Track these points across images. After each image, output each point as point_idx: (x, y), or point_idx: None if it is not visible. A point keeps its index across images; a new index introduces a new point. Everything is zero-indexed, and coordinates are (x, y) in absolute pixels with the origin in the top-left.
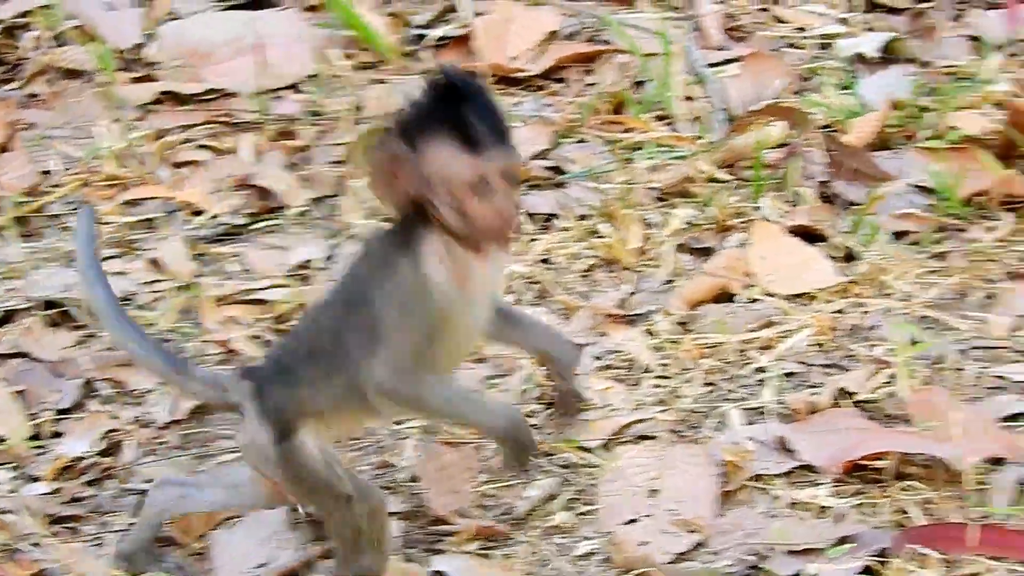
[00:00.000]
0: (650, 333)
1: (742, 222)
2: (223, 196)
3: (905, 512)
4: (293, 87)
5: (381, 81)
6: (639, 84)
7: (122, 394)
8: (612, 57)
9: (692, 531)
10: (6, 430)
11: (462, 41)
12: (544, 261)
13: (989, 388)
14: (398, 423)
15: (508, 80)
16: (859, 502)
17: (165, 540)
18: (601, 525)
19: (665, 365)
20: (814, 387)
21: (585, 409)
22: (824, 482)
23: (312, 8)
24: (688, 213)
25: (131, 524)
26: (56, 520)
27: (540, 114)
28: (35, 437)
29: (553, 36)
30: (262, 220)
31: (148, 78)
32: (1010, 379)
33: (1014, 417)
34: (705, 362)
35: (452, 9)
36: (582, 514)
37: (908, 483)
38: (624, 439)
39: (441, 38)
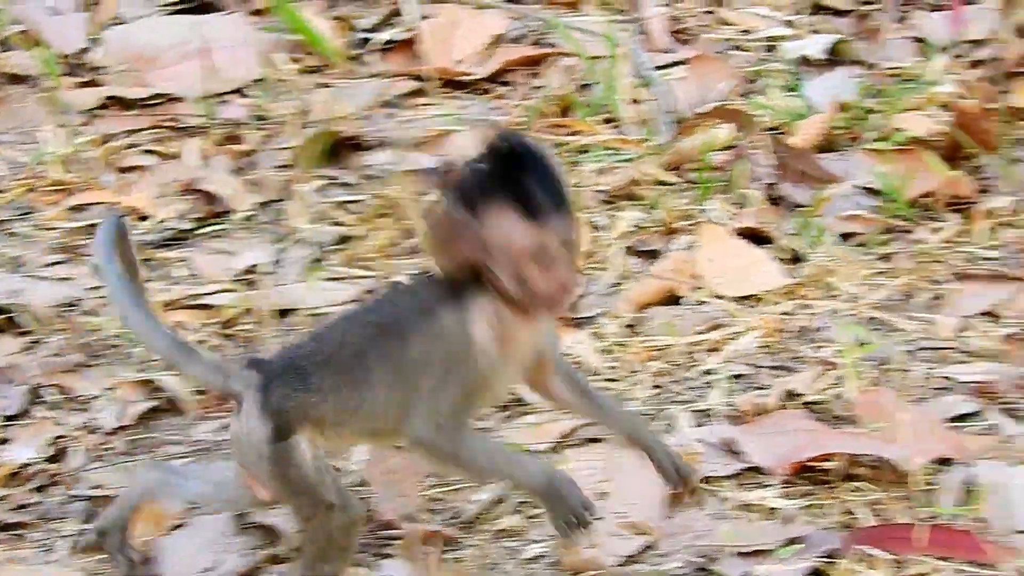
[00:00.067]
0: (598, 336)
1: (689, 224)
2: (169, 201)
3: (853, 513)
4: (239, 91)
5: (327, 85)
6: (585, 87)
7: (68, 400)
8: (558, 60)
9: (641, 534)
10: None
11: (408, 45)
12: None
13: (936, 389)
14: None
15: (454, 84)
16: (807, 503)
17: None
18: (550, 528)
19: (613, 368)
20: (762, 389)
21: (699, 483)
22: (772, 484)
23: (258, 12)
24: (635, 216)
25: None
26: (2, 527)
27: (487, 117)
28: None
29: (499, 39)
30: (208, 225)
31: (93, 83)
32: (956, 380)
33: (961, 418)
34: (653, 364)
35: (397, 13)
36: (531, 517)
37: (856, 484)
38: (572, 442)
39: (387, 42)
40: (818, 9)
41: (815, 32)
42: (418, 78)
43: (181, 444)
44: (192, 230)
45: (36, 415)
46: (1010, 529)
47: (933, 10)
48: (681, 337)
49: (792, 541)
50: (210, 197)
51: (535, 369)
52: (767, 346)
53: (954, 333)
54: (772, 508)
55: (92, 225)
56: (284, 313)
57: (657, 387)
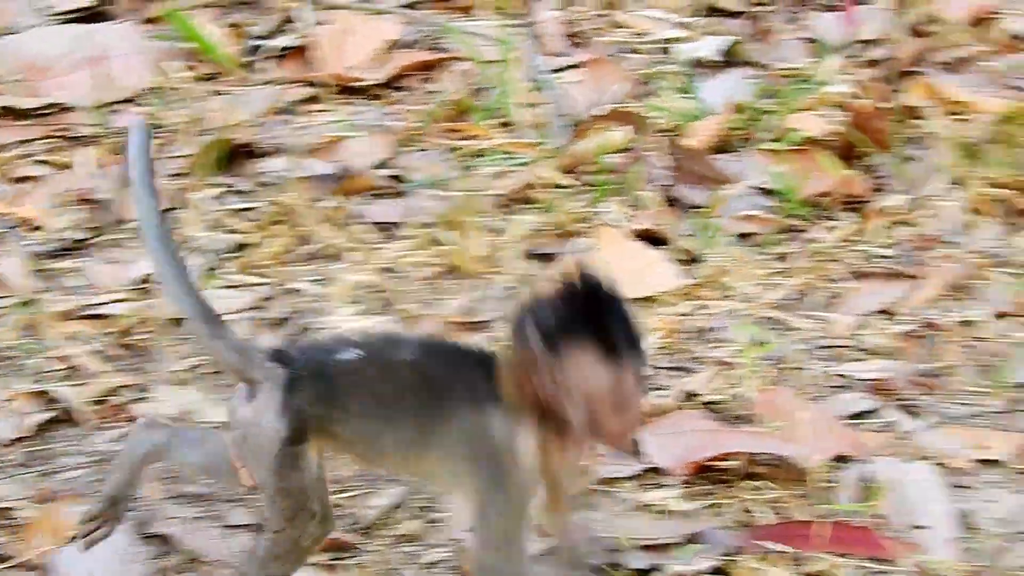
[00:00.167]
0: (496, 340)
1: (585, 227)
2: (63, 211)
3: (753, 511)
4: (132, 100)
5: (221, 93)
6: (481, 91)
7: None
8: (453, 65)
9: (541, 535)
10: None
11: (302, 52)
12: (388, 270)
13: (833, 387)
14: None
15: (349, 90)
16: (708, 503)
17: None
18: (449, 533)
19: None
20: (660, 389)
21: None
22: (672, 484)
23: (150, 21)
24: (531, 219)
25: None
26: None
27: (382, 123)
28: None
29: (394, 45)
30: (102, 234)
31: None
32: (853, 377)
33: (858, 415)
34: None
35: (291, 20)
36: (430, 522)
37: (755, 483)
38: None
39: (282, 49)
40: (711, 11)
41: (709, 34)
42: (312, 84)
43: (79, 455)
44: (86, 240)
45: None
46: (908, 524)
47: (826, 10)
48: None
49: (693, 539)
50: (104, 206)
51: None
52: (665, 347)
53: (850, 331)
54: (672, 508)
55: None
56: (180, 321)
57: None
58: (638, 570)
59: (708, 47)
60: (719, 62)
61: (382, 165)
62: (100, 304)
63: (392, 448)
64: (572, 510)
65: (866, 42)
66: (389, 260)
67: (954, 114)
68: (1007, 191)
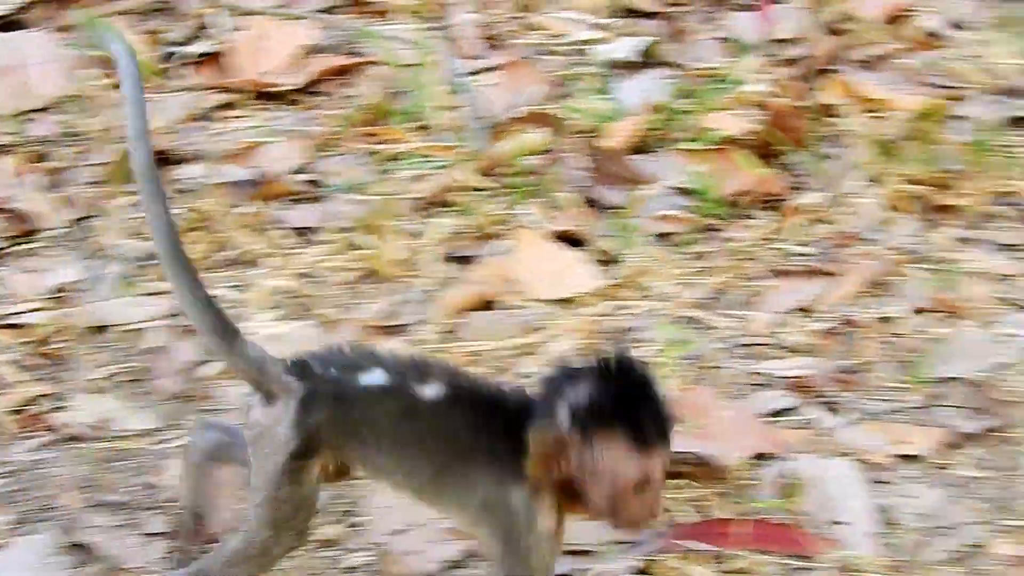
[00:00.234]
0: (415, 343)
1: (504, 229)
2: None
3: (674, 511)
4: (49, 108)
5: None
6: (398, 95)
7: None
8: (371, 69)
9: (462, 538)
10: None
11: (218, 58)
12: (306, 275)
13: (753, 385)
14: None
15: (266, 95)
16: None
17: None
18: (371, 537)
19: None
20: None
21: None
22: None
23: (66, 28)
24: (450, 222)
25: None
26: None
27: (299, 128)
28: None
29: (311, 50)
30: (20, 243)
31: None
32: (772, 375)
33: (778, 413)
34: (472, 370)
35: (207, 26)
36: (351, 526)
37: (677, 481)
38: None
39: (199, 55)
40: (627, 13)
41: (625, 35)
42: (229, 91)
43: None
44: (3, 249)
45: None
46: (828, 520)
47: (741, 10)
48: (499, 341)
49: (615, 539)
50: (22, 215)
51: None
52: (585, 348)
53: (769, 329)
54: None
55: None
56: (98, 330)
57: None
58: (561, 575)
59: (625, 48)
60: (636, 63)
61: (300, 170)
62: (17, 313)
63: (405, 485)
64: None
65: (782, 41)
66: (307, 265)
67: (871, 112)
68: (924, 187)
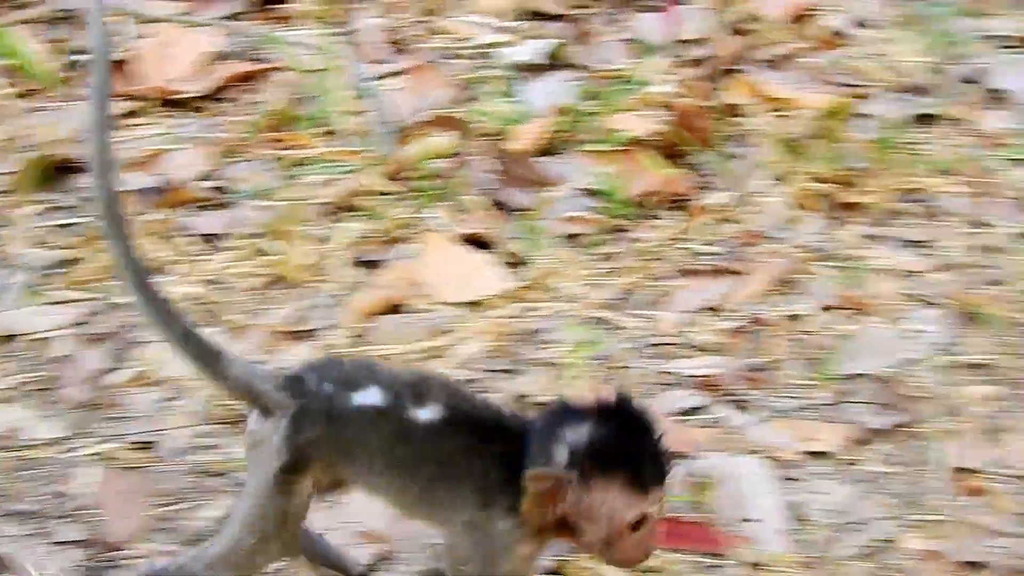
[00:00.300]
0: (324, 348)
1: (412, 233)
2: None
3: None
4: None
5: (43, 109)
6: (304, 101)
7: None
8: (276, 75)
9: (376, 542)
10: None
11: (123, 65)
12: (213, 282)
13: (662, 384)
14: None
15: (171, 102)
16: None
17: None
18: None
19: None
20: (490, 393)
21: None
22: None
23: None
24: (357, 227)
25: None
26: None
27: (205, 135)
28: None
29: (216, 57)
30: None
31: None
32: (681, 374)
33: (687, 412)
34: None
35: (112, 34)
36: None
37: None
38: None
39: None
40: (532, 15)
41: (530, 38)
42: (134, 98)
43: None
44: None
45: None
46: (739, 518)
47: (646, 11)
48: (407, 345)
49: None
50: None
51: None
52: (494, 350)
53: (678, 329)
54: None
55: None
56: (4, 339)
57: None
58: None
59: (530, 51)
60: (542, 65)
61: (206, 177)
62: None
63: (396, 503)
64: None
65: (687, 42)
66: (214, 271)
67: (776, 111)
68: (829, 185)
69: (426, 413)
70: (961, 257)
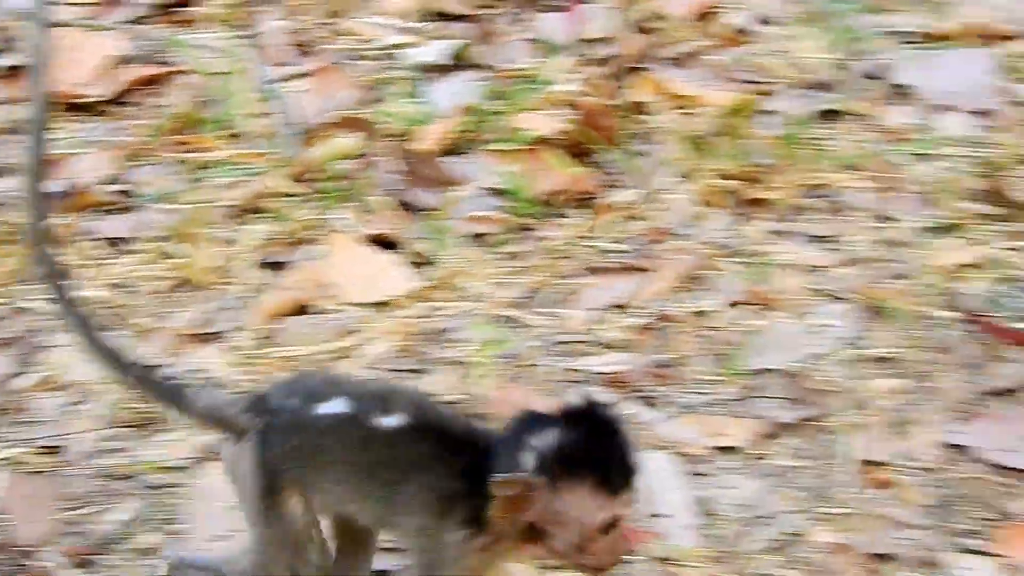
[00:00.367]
0: (231, 350)
1: (318, 234)
2: None
3: None
4: None
5: None
6: (209, 104)
7: None
8: (181, 78)
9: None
10: None
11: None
12: (119, 285)
13: (569, 382)
14: None
15: (76, 106)
16: None
17: None
18: (189, 544)
19: (248, 381)
20: None
21: None
22: None
23: None
24: (264, 229)
25: None
26: None
27: (110, 138)
28: None
29: (120, 60)
30: None
31: None
32: (589, 371)
33: None
34: (288, 375)
35: (15, 38)
36: (169, 535)
37: None
38: (208, 456)
39: (8, 68)
40: (437, 16)
41: (435, 38)
42: None
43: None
44: None
45: None
46: (649, 513)
47: (550, 11)
48: (315, 346)
49: None
50: None
51: None
52: (401, 350)
53: (585, 326)
54: None
55: None
56: None
57: None
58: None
59: (435, 51)
60: (447, 66)
61: (111, 181)
62: None
63: (360, 514)
64: None
65: (592, 40)
66: (120, 275)
67: (681, 108)
68: (735, 182)
69: (391, 421)
70: (866, 251)
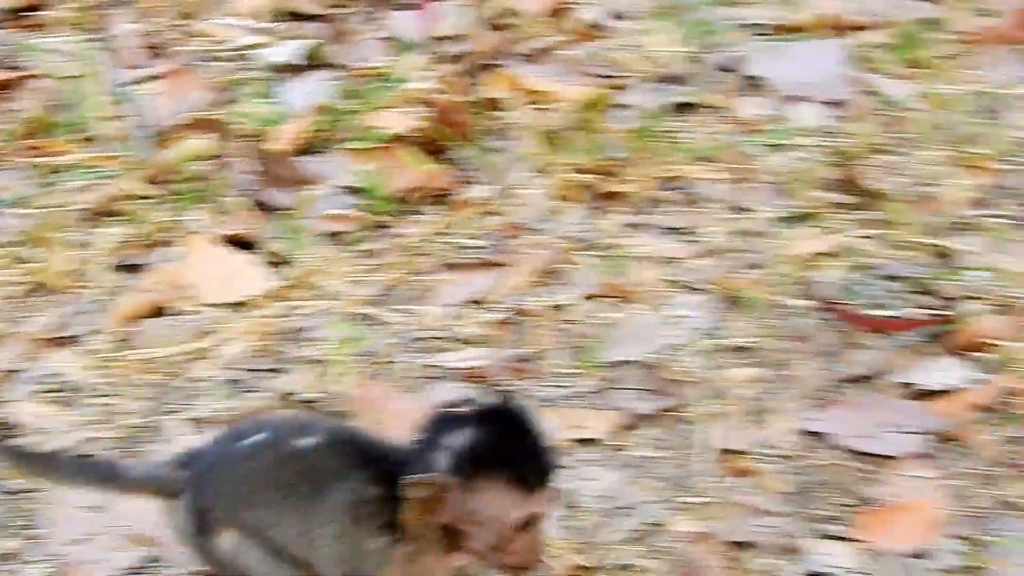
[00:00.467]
0: (87, 353)
1: (173, 236)
2: None
3: None
4: None
5: None
6: (61, 107)
7: None
8: (32, 83)
9: (143, 545)
10: None
11: None
12: None
13: (427, 378)
14: None
15: None
16: None
17: None
18: (50, 548)
19: (105, 384)
20: (256, 392)
21: None
22: None
23: None
24: (118, 231)
25: None
26: None
27: None
28: None
29: None
30: None
31: None
32: (447, 367)
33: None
34: (145, 377)
35: None
36: (29, 539)
37: None
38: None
39: None
40: (289, 16)
41: (288, 39)
42: None
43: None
44: None
45: None
46: None
47: (403, 9)
48: (172, 347)
49: None
50: None
51: None
52: (259, 349)
53: (442, 322)
54: None
55: None
56: None
57: (151, 399)
58: None
59: (288, 51)
60: (300, 65)
61: None
62: None
63: (287, 539)
64: None
65: (445, 38)
66: None
67: (535, 104)
68: (590, 176)
69: (307, 441)
70: (722, 242)
